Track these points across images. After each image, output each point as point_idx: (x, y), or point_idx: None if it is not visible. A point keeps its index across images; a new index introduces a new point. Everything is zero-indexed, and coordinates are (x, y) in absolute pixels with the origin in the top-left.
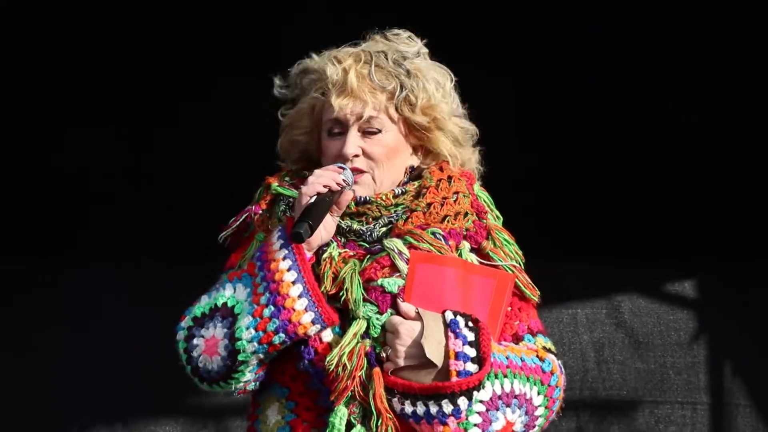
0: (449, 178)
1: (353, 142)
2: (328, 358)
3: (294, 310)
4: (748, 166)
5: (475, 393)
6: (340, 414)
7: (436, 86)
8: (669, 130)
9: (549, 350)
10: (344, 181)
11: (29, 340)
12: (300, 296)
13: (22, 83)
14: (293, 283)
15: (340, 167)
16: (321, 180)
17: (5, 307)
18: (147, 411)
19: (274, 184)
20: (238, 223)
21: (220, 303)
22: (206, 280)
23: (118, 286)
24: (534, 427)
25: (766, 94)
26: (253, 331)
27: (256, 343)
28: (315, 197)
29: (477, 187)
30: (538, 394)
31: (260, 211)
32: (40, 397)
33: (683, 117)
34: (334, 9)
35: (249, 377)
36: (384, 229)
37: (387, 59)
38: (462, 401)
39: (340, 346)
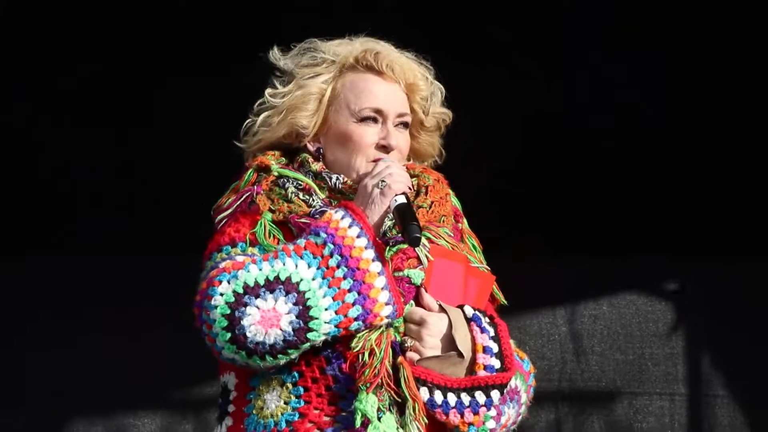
0: (438, 179)
1: (395, 135)
2: (357, 344)
3: (377, 300)
4: (727, 159)
5: (505, 388)
6: (371, 401)
7: (435, 88)
8: (649, 123)
9: (520, 350)
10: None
11: (13, 334)
12: (383, 288)
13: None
14: (378, 274)
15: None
16: (403, 179)
17: None
18: (126, 405)
19: (275, 166)
20: (239, 202)
21: (283, 276)
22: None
23: (101, 281)
24: (515, 423)
25: (758, 91)
26: (333, 313)
27: (333, 326)
28: (402, 196)
29: (451, 192)
30: (523, 391)
31: (261, 192)
32: (23, 391)
33: (664, 112)
34: (321, 9)
35: (297, 355)
36: (390, 222)
37: (417, 61)
38: (495, 393)
39: (367, 332)
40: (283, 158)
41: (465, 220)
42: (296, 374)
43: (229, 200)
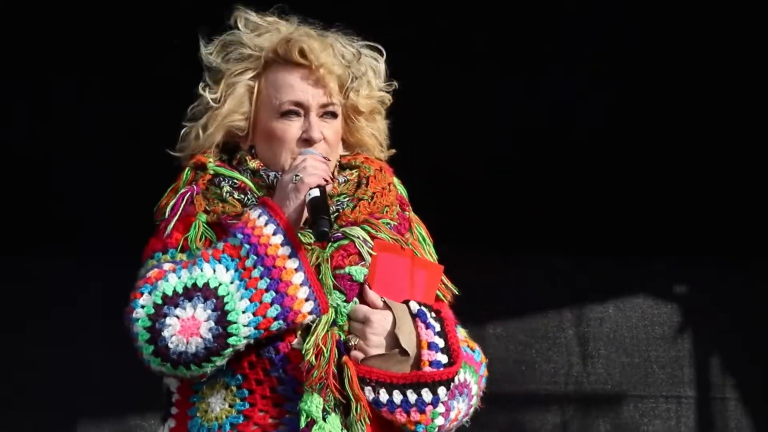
0: (380, 168)
1: (318, 126)
2: (305, 346)
3: (297, 297)
4: (736, 161)
5: (451, 383)
6: (316, 402)
7: (375, 72)
8: (652, 124)
9: (471, 340)
10: (330, 172)
11: (18, 333)
12: (302, 284)
13: None
14: (296, 270)
15: (325, 157)
16: (320, 172)
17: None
18: (134, 406)
19: (211, 164)
20: (182, 204)
21: (200, 283)
22: None
23: (109, 280)
24: (468, 415)
25: (759, 90)
26: (251, 316)
27: (252, 328)
28: (316, 189)
29: (395, 179)
30: (474, 383)
31: (199, 192)
32: (30, 392)
33: (671, 111)
34: None
35: (224, 362)
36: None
37: (340, 41)
38: (441, 390)
39: (314, 334)
40: (223, 154)
41: (411, 209)
42: (240, 377)
43: (169, 202)
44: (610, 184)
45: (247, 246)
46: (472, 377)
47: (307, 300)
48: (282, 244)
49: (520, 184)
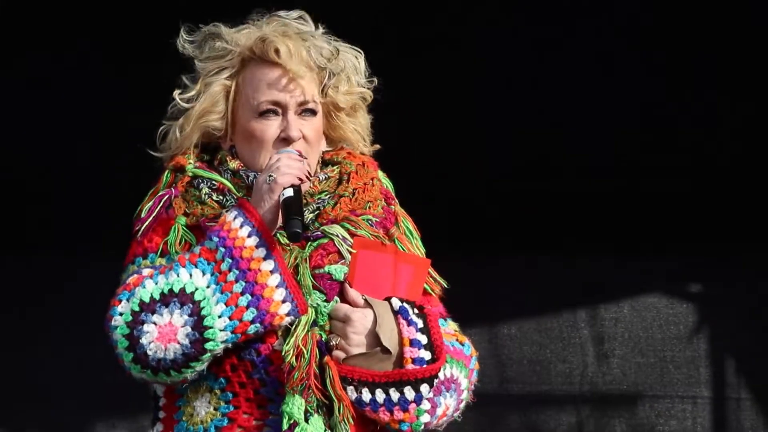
0: (363, 163)
1: (296, 125)
2: (285, 347)
3: (273, 300)
4: (749, 160)
5: (435, 380)
6: (297, 404)
7: (355, 69)
8: (672, 123)
9: (461, 334)
10: (306, 170)
11: (32, 333)
12: (278, 286)
13: None
14: (271, 272)
15: (300, 155)
16: (294, 171)
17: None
18: (147, 406)
19: (190, 166)
20: (158, 208)
21: (176, 288)
22: None
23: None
24: (458, 409)
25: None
26: (227, 320)
27: (229, 332)
28: (290, 189)
29: (381, 173)
30: (464, 377)
31: (179, 195)
32: (42, 391)
33: (687, 111)
34: None
35: (203, 367)
36: (311, 215)
37: (317, 39)
38: (424, 388)
39: (294, 335)
40: (205, 155)
41: (397, 203)
42: (223, 380)
43: (148, 205)
44: (627, 180)
45: (223, 249)
46: (461, 371)
47: (284, 302)
48: (257, 246)
49: (536, 183)
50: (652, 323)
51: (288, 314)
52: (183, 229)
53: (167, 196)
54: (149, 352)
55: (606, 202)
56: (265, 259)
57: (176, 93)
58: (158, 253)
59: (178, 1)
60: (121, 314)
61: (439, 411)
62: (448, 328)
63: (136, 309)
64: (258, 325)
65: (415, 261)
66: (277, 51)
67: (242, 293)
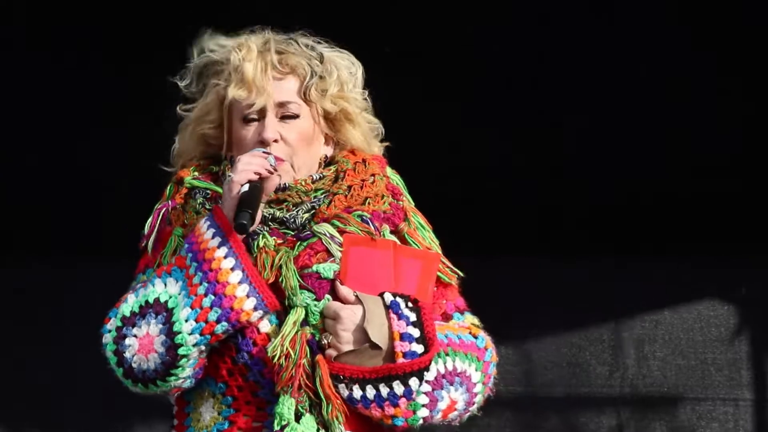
0: (364, 161)
1: (273, 127)
2: (270, 348)
3: (235, 297)
4: None
5: (425, 373)
6: (288, 404)
7: (348, 76)
8: (699, 123)
9: (479, 327)
10: (272, 166)
11: (68, 333)
12: (240, 282)
13: None
14: (232, 269)
15: (265, 152)
16: (251, 167)
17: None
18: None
19: (188, 177)
20: (158, 222)
21: (151, 299)
22: None
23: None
24: (473, 404)
25: None
26: (193, 323)
27: (197, 335)
28: (247, 185)
29: (389, 170)
30: (476, 370)
31: (176, 206)
32: (82, 392)
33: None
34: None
35: (188, 373)
36: (307, 215)
37: (298, 44)
38: (413, 382)
39: (281, 335)
40: (214, 166)
41: (406, 198)
42: (222, 385)
43: (149, 221)
44: (667, 179)
45: (190, 254)
46: (471, 364)
47: (248, 297)
48: (219, 246)
49: (573, 185)
50: (693, 325)
51: (255, 309)
52: (179, 239)
53: (164, 209)
54: (134, 365)
55: (644, 205)
56: (226, 257)
57: (179, 107)
58: (155, 267)
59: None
60: (109, 331)
61: (442, 405)
62: (464, 321)
63: (119, 324)
64: (225, 324)
65: (422, 255)
66: (242, 80)
67: (206, 294)
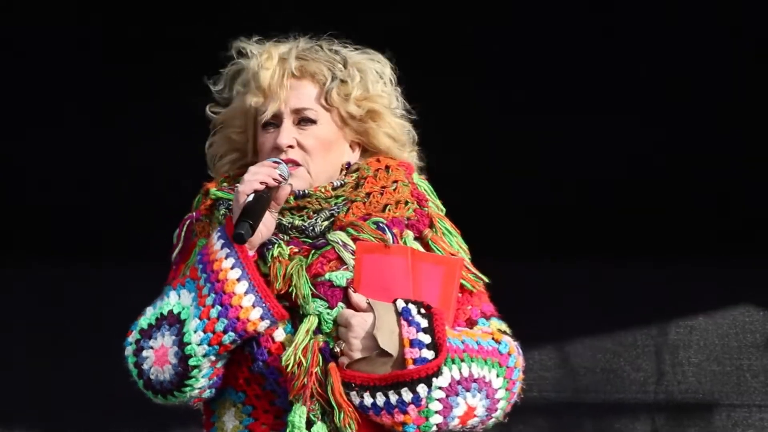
0: (387, 167)
1: (287, 133)
2: (283, 357)
3: (241, 307)
4: None
5: (434, 379)
6: (299, 412)
7: (375, 77)
8: (727, 124)
9: (504, 332)
10: (280, 175)
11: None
12: (246, 293)
13: None
14: (238, 280)
15: (275, 162)
16: (257, 177)
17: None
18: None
19: (213, 188)
20: (183, 234)
21: (165, 311)
22: None
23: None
24: (496, 410)
25: None
26: (201, 334)
27: (206, 345)
28: (252, 195)
29: (416, 176)
30: (498, 376)
31: (201, 218)
32: (117, 392)
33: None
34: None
35: (203, 383)
36: (326, 222)
37: (323, 49)
38: (421, 388)
39: (293, 344)
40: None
41: (432, 204)
42: (242, 394)
43: (176, 232)
44: (699, 189)
45: (201, 266)
46: (491, 370)
47: (254, 306)
48: (226, 257)
49: (609, 191)
50: (728, 331)
51: (262, 318)
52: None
53: (188, 221)
54: (152, 377)
55: (681, 209)
56: (232, 267)
57: (208, 107)
58: (180, 277)
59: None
60: (130, 344)
61: (458, 411)
62: (489, 327)
63: (138, 337)
64: (232, 334)
65: (443, 261)
66: (258, 86)
67: (213, 305)
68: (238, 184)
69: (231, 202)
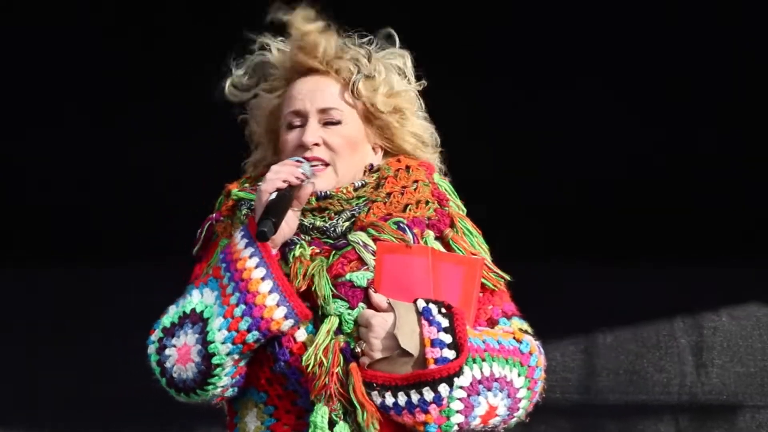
0: (407, 167)
1: (313, 131)
2: (304, 357)
3: (265, 306)
4: None
5: (455, 379)
6: (321, 412)
7: (400, 73)
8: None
9: (525, 332)
10: (303, 174)
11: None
12: (270, 292)
13: None
14: (262, 279)
15: (298, 161)
16: (279, 175)
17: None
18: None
19: (234, 189)
20: (203, 233)
21: (188, 310)
22: None
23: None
24: (518, 409)
25: None
26: (225, 332)
27: (230, 344)
28: (275, 193)
29: (437, 176)
30: (519, 375)
31: (222, 218)
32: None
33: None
34: None
35: (225, 382)
36: (347, 223)
37: (348, 46)
38: (443, 388)
39: (314, 344)
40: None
41: (453, 204)
42: (263, 395)
43: (198, 233)
44: (726, 190)
45: (224, 264)
46: (512, 369)
47: (278, 306)
48: (250, 255)
49: (638, 190)
50: (752, 332)
51: (286, 317)
52: None
53: (210, 222)
54: (175, 375)
55: (704, 211)
56: (257, 267)
57: (228, 88)
58: (202, 276)
59: None
60: (153, 342)
61: (479, 411)
62: (510, 326)
63: (161, 335)
64: (256, 333)
65: (464, 261)
66: (302, 48)
67: (237, 304)
68: (260, 183)
69: (253, 203)
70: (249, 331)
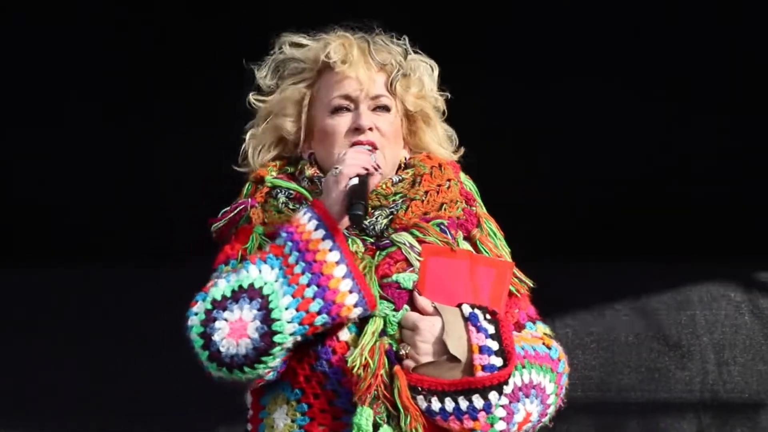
0: (440, 165)
1: (368, 115)
2: (350, 359)
3: (339, 290)
4: None
5: (504, 386)
6: (366, 414)
7: (428, 78)
8: None
9: (550, 336)
10: (376, 163)
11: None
12: (344, 277)
13: None
14: (337, 263)
15: (368, 150)
16: (359, 161)
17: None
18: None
19: (269, 176)
20: (231, 215)
21: (245, 284)
22: None
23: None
24: (546, 415)
25: None
26: (294, 311)
27: (296, 324)
28: (356, 179)
29: (463, 175)
30: (550, 381)
31: (256, 204)
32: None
33: None
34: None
35: (277, 363)
36: (385, 221)
37: (383, 42)
38: (493, 395)
39: (360, 345)
40: (289, 167)
41: (479, 204)
42: (298, 391)
43: (223, 211)
44: (746, 189)
45: (290, 243)
46: (545, 376)
47: (351, 292)
48: (323, 238)
49: (655, 187)
50: None
51: (356, 305)
52: (261, 237)
53: (243, 206)
54: (222, 349)
55: (725, 208)
56: (331, 250)
57: (251, 98)
58: (238, 260)
59: None
60: (196, 314)
61: (518, 417)
62: (536, 331)
63: (209, 307)
64: (325, 316)
65: (496, 264)
66: (342, 59)
67: (308, 285)
68: (338, 167)
69: (291, 191)
70: (319, 313)
